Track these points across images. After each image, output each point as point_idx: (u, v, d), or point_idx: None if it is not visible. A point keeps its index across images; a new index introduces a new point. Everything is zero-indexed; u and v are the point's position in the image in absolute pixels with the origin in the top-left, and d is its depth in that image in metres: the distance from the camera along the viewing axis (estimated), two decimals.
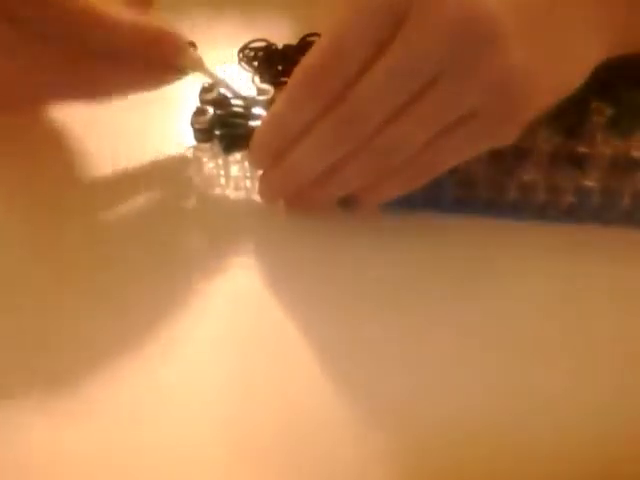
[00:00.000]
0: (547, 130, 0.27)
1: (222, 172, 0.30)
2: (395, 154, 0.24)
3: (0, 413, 0.22)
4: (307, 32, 0.34)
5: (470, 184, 0.28)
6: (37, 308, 0.26)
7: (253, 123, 0.27)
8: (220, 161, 0.29)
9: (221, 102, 0.28)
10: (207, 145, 0.28)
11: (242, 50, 0.35)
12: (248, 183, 0.30)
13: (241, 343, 0.25)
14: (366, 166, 0.25)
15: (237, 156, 0.29)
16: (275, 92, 0.28)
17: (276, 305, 0.26)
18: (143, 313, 0.25)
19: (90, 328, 0.25)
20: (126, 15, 0.26)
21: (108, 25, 0.25)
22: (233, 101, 0.28)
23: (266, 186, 0.28)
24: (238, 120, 0.28)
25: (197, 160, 0.30)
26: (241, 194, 0.30)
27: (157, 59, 0.27)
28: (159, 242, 0.28)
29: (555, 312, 0.26)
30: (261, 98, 0.28)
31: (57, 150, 0.31)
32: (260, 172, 0.28)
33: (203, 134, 0.28)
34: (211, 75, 0.28)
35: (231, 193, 0.30)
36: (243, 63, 0.35)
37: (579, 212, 0.28)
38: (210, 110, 0.28)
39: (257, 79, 0.34)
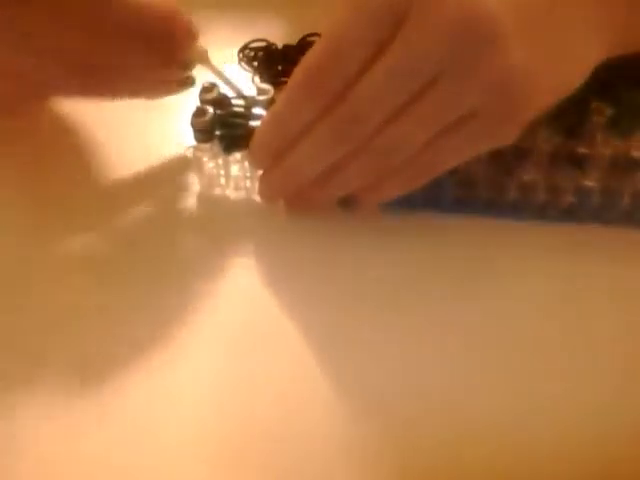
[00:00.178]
0: (547, 130, 0.27)
1: (222, 172, 0.30)
2: (395, 154, 0.24)
3: (6, 420, 0.22)
4: (307, 32, 0.34)
5: (470, 184, 0.28)
6: (38, 309, 0.26)
7: (253, 123, 0.27)
8: (220, 161, 0.29)
9: (221, 102, 0.28)
10: (207, 145, 0.28)
11: (242, 50, 0.35)
12: (248, 183, 0.30)
13: (241, 343, 0.25)
14: (366, 166, 0.25)
15: (237, 156, 0.29)
16: (275, 92, 0.28)
17: (276, 304, 0.26)
18: (143, 313, 0.25)
19: (90, 328, 0.25)
20: None
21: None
22: (233, 101, 0.28)
23: (266, 186, 0.28)
24: (238, 120, 0.28)
25: (197, 160, 0.30)
26: (241, 194, 0.30)
27: (168, 39, 0.27)
28: (159, 242, 0.28)
29: (555, 312, 0.26)
30: (261, 98, 0.28)
31: (59, 152, 0.31)
32: (260, 172, 0.28)
33: (203, 134, 0.28)
34: (215, 70, 0.28)
35: (231, 193, 0.30)
36: (243, 63, 0.35)
37: (579, 212, 0.28)
38: (210, 110, 0.28)
39: (257, 79, 0.34)
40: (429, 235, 0.28)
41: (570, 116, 0.27)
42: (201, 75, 0.29)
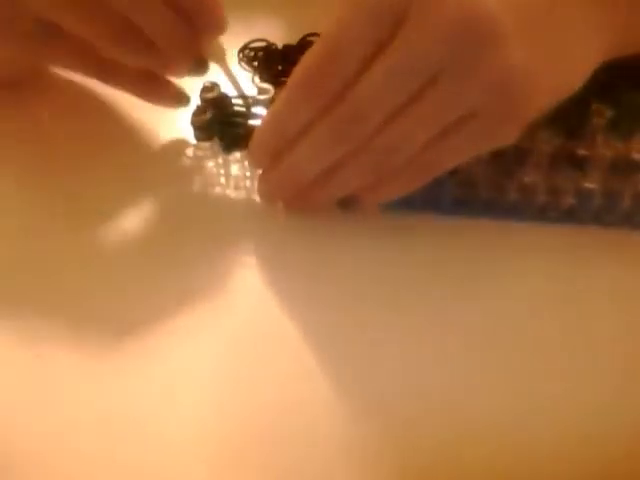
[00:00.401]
0: (547, 131, 0.27)
1: (222, 171, 0.30)
2: (395, 154, 0.24)
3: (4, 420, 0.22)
4: (307, 32, 0.34)
5: (470, 185, 0.28)
6: (35, 306, 0.26)
7: (253, 122, 0.27)
8: (220, 160, 0.29)
9: (221, 101, 0.28)
10: (207, 144, 0.28)
11: (242, 50, 0.35)
12: (248, 183, 0.30)
13: (241, 342, 0.25)
14: (365, 166, 0.25)
15: (237, 155, 0.29)
16: (275, 92, 0.28)
17: (276, 304, 0.26)
18: (142, 312, 0.25)
19: (89, 327, 0.25)
20: None
21: None
22: (234, 100, 0.28)
23: (265, 186, 0.28)
24: (238, 119, 0.28)
25: (197, 159, 0.30)
26: (241, 194, 0.30)
27: (197, 15, 0.27)
28: (159, 241, 0.28)
29: (555, 313, 0.26)
30: (262, 97, 0.28)
31: (58, 151, 0.31)
32: (259, 172, 0.28)
33: (203, 133, 0.28)
34: (228, 72, 0.28)
35: (231, 193, 0.30)
36: (243, 63, 0.35)
37: (579, 214, 0.28)
38: (210, 109, 0.28)
39: (257, 79, 0.34)
40: (429, 236, 0.28)
41: (570, 117, 0.27)
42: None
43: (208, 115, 0.28)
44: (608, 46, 0.25)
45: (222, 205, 0.30)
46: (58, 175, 0.30)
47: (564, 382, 0.24)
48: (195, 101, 0.28)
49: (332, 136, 0.24)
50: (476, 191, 0.28)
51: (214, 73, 0.29)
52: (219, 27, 0.28)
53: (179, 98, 0.31)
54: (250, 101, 0.28)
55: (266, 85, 0.28)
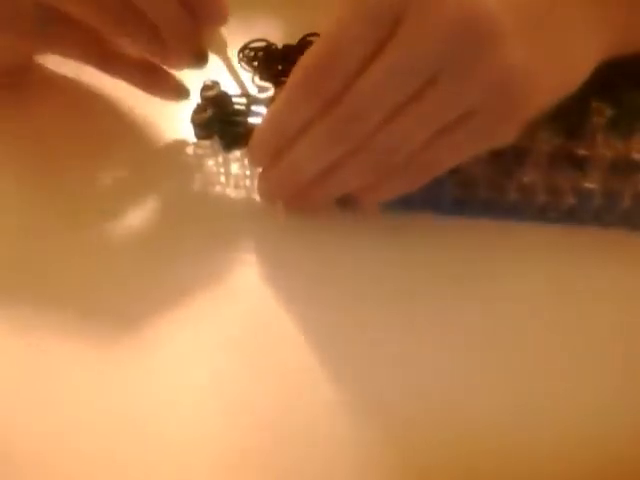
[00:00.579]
0: (547, 131, 0.27)
1: (222, 170, 0.30)
2: (394, 154, 0.24)
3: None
4: (307, 32, 0.34)
5: (470, 185, 0.28)
6: (36, 302, 0.26)
7: (253, 121, 0.27)
8: (220, 159, 0.29)
9: (222, 100, 0.28)
10: (207, 142, 0.28)
11: (242, 50, 0.35)
12: (248, 182, 0.30)
13: (240, 342, 0.25)
14: (365, 165, 0.25)
15: (237, 154, 0.29)
16: (275, 90, 0.28)
17: (275, 303, 0.26)
18: (142, 311, 0.25)
19: (89, 323, 0.25)
20: None
21: None
22: (234, 99, 0.28)
23: (265, 185, 0.28)
24: (238, 118, 0.28)
25: (197, 157, 0.30)
26: (241, 192, 0.30)
27: (202, 9, 0.27)
28: (159, 239, 0.28)
29: (555, 313, 0.26)
30: (262, 96, 0.28)
31: (58, 150, 0.31)
32: (259, 171, 0.28)
33: (203, 131, 0.28)
34: (229, 64, 0.28)
35: (231, 191, 0.30)
36: (243, 63, 0.35)
37: (579, 214, 0.28)
38: (210, 107, 0.28)
39: (257, 79, 0.34)
40: (428, 236, 0.28)
41: (570, 117, 0.27)
42: (202, 72, 0.29)
43: (208, 113, 0.28)
44: (608, 45, 0.25)
45: (222, 204, 0.29)
46: (58, 174, 0.30)
47: (564, 382, 0.24)
48: (195, 99, 0.28)
49: (331, 135, 0.24)
50: (476, 191, 0.28)
51: (215, 71, 0.29)
52: (221, 18, 0.28)
53: (179, 91, 0.31)
54: (250, 100, 0.28)
55: (266, 83, 0.28)
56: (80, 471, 0.21)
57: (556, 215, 0.28)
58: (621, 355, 0.24)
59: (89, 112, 0.32)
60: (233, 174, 0.30)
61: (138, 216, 0.29)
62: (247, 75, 0.34)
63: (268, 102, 0.28)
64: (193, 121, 0.28)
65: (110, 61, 0.31)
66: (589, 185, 0.27)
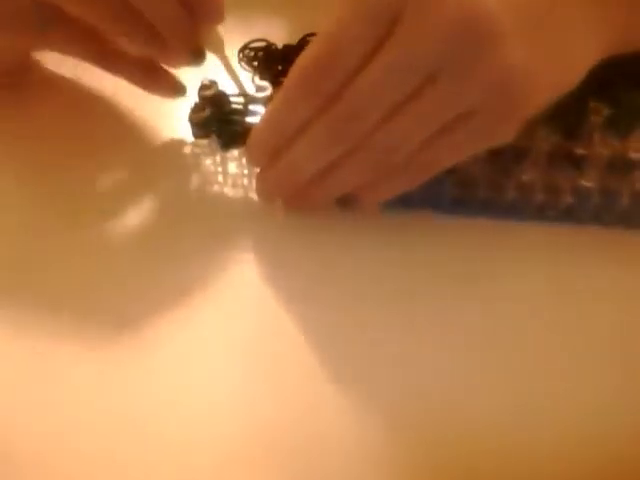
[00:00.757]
0: (545, 130, 0.27)
1: (220, 169, 0.30)
2: (393, 152, 0.24)
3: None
4: (307, 32, 0.34)
5: (468, 184, 0.28)
6: (35, 301, 0.26)
7: (251, 120, 0.27)
8: (218, 158, 0.29)
9: (220, 98, 0.28)
10: (205, 142, 0.28)
11: (242, 50, 0.35)
12: (246, 181, 0.30)
13: (239, 341, 0.25)
14: (364, 165, 0.25)
15: (235, 153, 0.29)
16: (274, 90, 0.28)
17: (274, 302, 0.26)
18: (140, 310, 0.25)
19: (87, 325, 0.25)
20: None
21: None
22: (231, 98, 0.28)
23: (263, 185, 0.28)
24: (236, 117, 0.28)
25: (195, 156, 0.30)
26: (239, 191, 0.30)
27: (196, 9, 0.27)
28: (157, 238, 0.28)
29: (555, 313, 0.26)
30: (259, 95, 0.28)
31: (57, 150, 0.31)
32: (257, 170, 0.28)
33: (201, 130, 0.28)
34: (226, 63, 0.28)
35: (229, 190, 0.30)
36: (243, 63, 0.35)
37: (578, 213, 0.28)
38: (208, 107, 0.28)
39: (257, 79, 0.34)
40: (428, 235, 0.28)
41: (568, 116, 0.27)
42: (200, 71, 0.29)
43: (206, 112, 0.28)
44: (607, 44, 0.25)
45: (220, 203, 0.29)
46: (57, 173, 0.30)
47: (564, 382, 0.23)
48: (193, 98, 0.28)
49: (330, 134, 0.24)
50: (474, 190, 0.28)
51: (213, 71, 0.29)
52: (218, 16, 0.28)
53: (177, 88, 0.31)
54: (248, 99, 0.28)
55: (264, 83, 0.28)
56: (81, 470, 0.21)
57: (554, 214, 0.28)
58: (621, 355, 0.24)
59: (87, 112, 0.32)
60: (231, 173, 0.30)
61: (136, 216, 0.29)
62: (247, 75, 0.34)
63: (266, 101, 0.28)
64: (191, 120, 0.28)
65: (109, 58, 0.31)
66: (587, 184, 0.27)
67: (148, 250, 0.28)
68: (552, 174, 0.27)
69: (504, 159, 0.27)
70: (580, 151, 0.27)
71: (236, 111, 0.28)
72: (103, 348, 0.24)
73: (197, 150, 0.29)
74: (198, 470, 0.21)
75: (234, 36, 0.35)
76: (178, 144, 0.31)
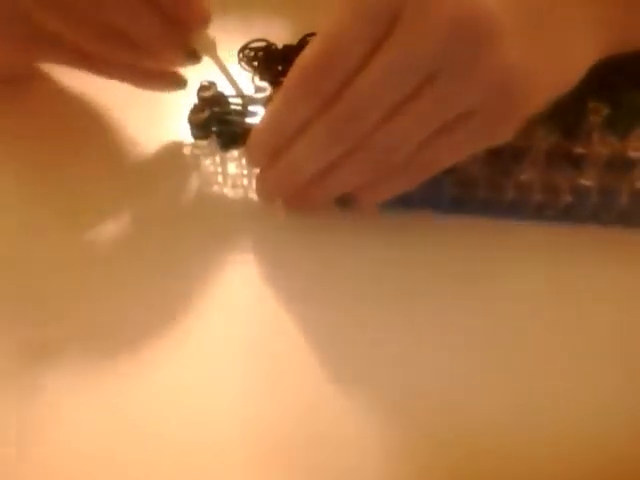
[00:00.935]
0: (544, 129, 0.27)
1: (219, 169, 0.30)
2: (392, 152, 0.24)
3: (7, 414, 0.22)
4: (307, 32, 0.34)
5: (468, 184, 0.28)
6: (35, 305, 0.26)
7: (250, 121, 0.27)
8: (217, 158, 0.29)
9: (219, 99, 0.28)
10: (204, 142, 0.28)
11: (242, 50, 0.35)
12: (246, 181, 0.30)
13: (239, 341, 0.25)
14: (363, 165, 0.25)
15: (235, 153, 0.29)
16: (273, 90, 0.28)
17: (274, 303, 0.26)
18: (141, 310, 0.25)
19: (88, 325, 0.25)
20: None
21: None
22: (231, 99, 0.28)
23: (263, 185, 0.28)
24: (236, 117, 0.28)
25: (195, 157, 0.30)
26: (239, 192, 0.30)
27: (179, 14, 0.27)
28: (156, 239, 0.28)
29: (555, 313, 0.26)
30: (259, 96, 0.28)
31: (56, 150, 0.31)
32: (257, 170, 0.28)
33: (201, 131, 0.28)
34: (220, 64, 0.28)
35: (229, 191, 0.30)
36: (243, 63, 0.35)
37: (577, 212, 0.28)
38: (208, 108, 0.28)
39: (257, 79, 0.34)
40: (428, 235, 0.28)
41: (567, 115, 0.26)
42: (200, 72, 0.29)
43: (205, 113, 0.28)
44: (606, 44, 0.25)
45: (220, 203, 0.29)
46: (56, 174, 0.30)
47: (564, 382, 0.23)
48: (193, 99, 0.28)
49: (330, 134, 0.24)
50: (474, 190, 0.28)
51: (212, 72, 0.29)
52: (203, 21, 0.28)
53: (177, 82, 0.30)
54: (247, 99, 0.28)
55: (263, 83, 0.28)
56: (80, 471, 0.21)
57: (554, 213, 0.28)
58: (621, 354, 0.24)
59: (87, 113, 0.32)
60: (231, 174, 0.30)
61: (136, 216, 0.29)
62: (247, 75, 0.34)
63: (265, 102, 0.28)
64: (190, 121, 0.28)
65: (103, 69, 0.31)
66: (586, 183, 0.27)
67: (148, 250, 0.28)
68: (551, 173, 0.27)
69: (503, 159, 0.27)
70: (579, 150, 0.27)
71: (235, 112, 0.28)
72: (103, 347, 0.24)
73: (197, 151, 0.29)
74: (198, 470, 0.21)
75: (234, 36, 0.35)
76: (178, 145, 0.31)
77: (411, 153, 0.24)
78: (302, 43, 0.35)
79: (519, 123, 0.24)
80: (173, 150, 0.31)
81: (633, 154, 0.26)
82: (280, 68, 0.34)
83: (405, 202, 0.27)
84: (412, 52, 0.22)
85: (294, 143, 0.25)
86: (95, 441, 0.22)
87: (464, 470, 0.21)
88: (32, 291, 0.26)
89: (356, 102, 0.23)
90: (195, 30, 0.28)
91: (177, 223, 0.29)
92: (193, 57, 0.29)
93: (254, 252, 0.28)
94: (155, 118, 0.32)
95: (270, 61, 0.35)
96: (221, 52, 0.29)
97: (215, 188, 0.30)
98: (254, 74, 0.34)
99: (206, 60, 0.29)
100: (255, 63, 0.35)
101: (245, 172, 0.29)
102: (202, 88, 0.29)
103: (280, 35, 0.35)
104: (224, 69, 0.28)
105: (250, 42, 0.35)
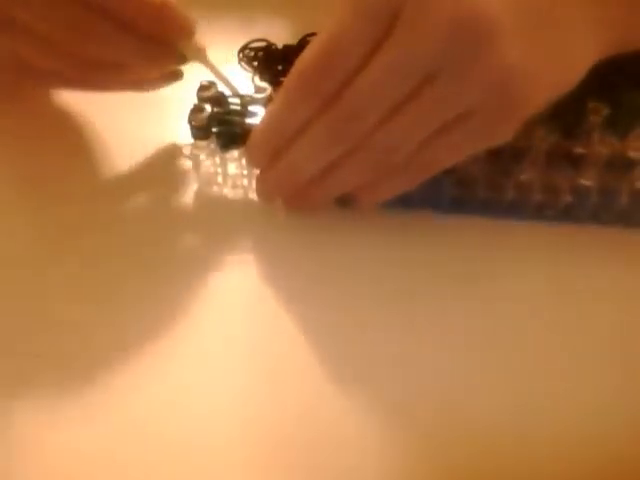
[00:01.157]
0: (544, 129, 0.27)
1: (219, 170, 0.30)
2: (392, 152, 0.24)
3: (6, 416, 0.22)
4: (307, 32, 0.34)
5: (467, 184, 0.28)
6: (32, 301, 0.26)
7: (250, 121, 0.27)
8: (217, 159, 0.29)
9: (219, 100, 0.28)
10: (204, 143, 0.28)
11: (242, 50, 0.35)
12: (246, 181, 0.30)
13: (238, 341, 0.25)
14: (363, 165, 0.25)
15: (234, 154, 0.29)
16: (273, 90, 0.28)
17: (275, 303, 0.26)
18: (141, 311, 0.25)
19: (88, 326, 0.25)
20: None
21: None
22: (231, 99, 0.28)
23: (263, 185, 0.28)
24: (235, 118, 0.28)
25: (194, 158, 0.30)
26: (239, 192, 0.30)
27: (160, 32, 0.27)
28: (156, 240, 0.28)
29: (555, 313, 0.26)
30: (259, 96, 0.28)
31: (56, 150, 0.31)
32: (257, 171, 0.28)
33: (200, 131, 0.28)
34: (213, 69, 0.28)
35: (229, 191, 0.30)
36: (243, 63, 0.35)
37: (576, 212, 0.28)
38: (208, 107, 0.28)
39: (257, 79, 0.34)
40: (427, 235, 0.28)
41: (567, 115, 0.26)
42: (199, 72, 0.29)
43: (205, 114, 0.28)
44: (606, 44, 0.25)
45: (219, 204, 0.29)
46: (55, 174, 0.30)
47: (564, 382, 0.23)
48: (192, 100, 0.28)
49: (330, 135, 0.24)
50: (474, 190, 0.28)
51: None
52: (187, 31, 0.27)
53: (174, 77, 0.30)
54: (247, 100, 0.28)
55: (263, 83, 0.28)
56: (81, 471, 0.21)
57: (554, 213, 0.28)
58: (621, 354, 0.24)
59: (87, 113, 0.32)
60: (230, 174, 0.30)
61: (136, 216, 0.29)
62: (247, 75, 0.34)
63: (265, 102, 0.28)
64: (190, 122, 0.28)
65: (96, 86, 0.31)
66: (586, 182, 0.27)
67: (148, 251, 0.28)
68: (551, 173, 0.27)
69: (503, 159, 0.27)
70: (579, 150, 0.27)
71: (235, 112, 0.28)
72: (105, 347, 0.24)
73: (197, 151, 0.29)
74: (199, 470, 0.21)
75: (234, 36, 0.35)
76: (177, 145, 0.31)
77: (411, 153, 0.24)
78: (302, 43, 0.35)
79: (519, 123, 0.24)
80: (173, 150, 0.31)
81: (633, 154, 0.26)
82: (280, 68, 0.34)
83: (405, 202, 0.27)
84: (412, 52, 0.22)
85: (294, 143, 0.25)
86: (95, 441, 0.22)
87: (464, 470, 0.21)
88: (30, 291, 0.26)
89: (356, 102, 0.23)
90: (182, 41, 0.27)
91: (177, 223, 0.29)
92: (183, 62, 0.29)
93: (254, 252, 0.28)
94: (155, 118, 0.32)
95: (270, 61, 0.35)
96: (221, 52, 0.29)
97: (215, 188, 0.30)
98: (254, 74, 0.34)
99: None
100: (255, 63, 0.35)
101: (245, 172, 0.29)
102: (202, 88, 0.29)
103: (280, 35, 0.35)
104: (217, 73, 0.28)
105: (250, 42, 0.35)
